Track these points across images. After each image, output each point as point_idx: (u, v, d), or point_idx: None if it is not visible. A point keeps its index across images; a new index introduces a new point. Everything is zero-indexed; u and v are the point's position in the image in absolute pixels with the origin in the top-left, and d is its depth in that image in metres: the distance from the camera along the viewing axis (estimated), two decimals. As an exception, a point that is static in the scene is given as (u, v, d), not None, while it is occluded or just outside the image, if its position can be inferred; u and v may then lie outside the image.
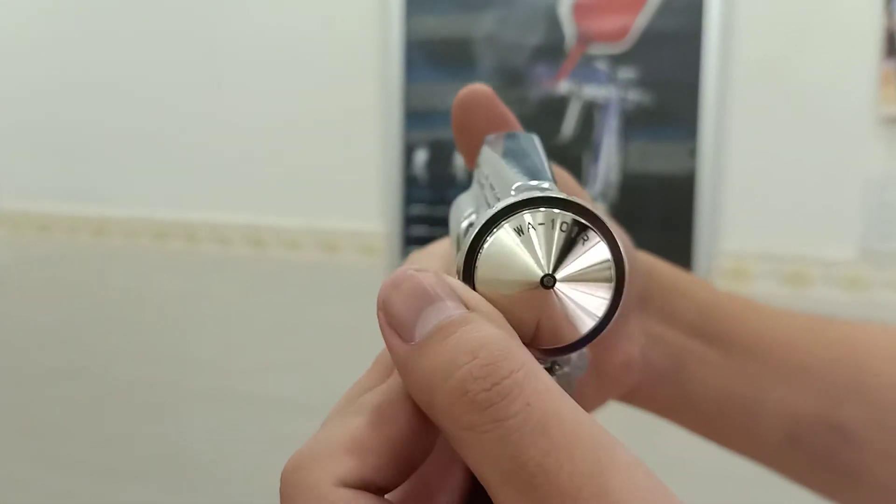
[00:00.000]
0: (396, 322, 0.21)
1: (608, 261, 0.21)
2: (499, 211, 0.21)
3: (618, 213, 1.50)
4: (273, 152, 1.84)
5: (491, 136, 0.32)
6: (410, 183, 1.69)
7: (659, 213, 1.48)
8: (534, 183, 0.22)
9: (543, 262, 0.20)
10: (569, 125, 1.54)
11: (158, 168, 1.96)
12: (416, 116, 1.66)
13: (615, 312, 0.21)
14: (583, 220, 0.21)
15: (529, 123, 1.54)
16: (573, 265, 0.20)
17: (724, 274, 1.45)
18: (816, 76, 1.39)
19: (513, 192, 0.22)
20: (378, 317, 0.22)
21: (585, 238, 0.21)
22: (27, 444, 2.17)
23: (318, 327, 1.84)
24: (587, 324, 0.21)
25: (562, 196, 0.21)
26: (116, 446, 2.08)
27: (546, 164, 0.25)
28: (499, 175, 0.25)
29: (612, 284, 0.21)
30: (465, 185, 0.31)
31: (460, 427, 0.19)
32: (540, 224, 0.21)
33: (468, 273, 0.21)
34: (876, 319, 0.45)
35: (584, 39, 1.51)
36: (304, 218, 1.82)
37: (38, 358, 2.15)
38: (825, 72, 1.38)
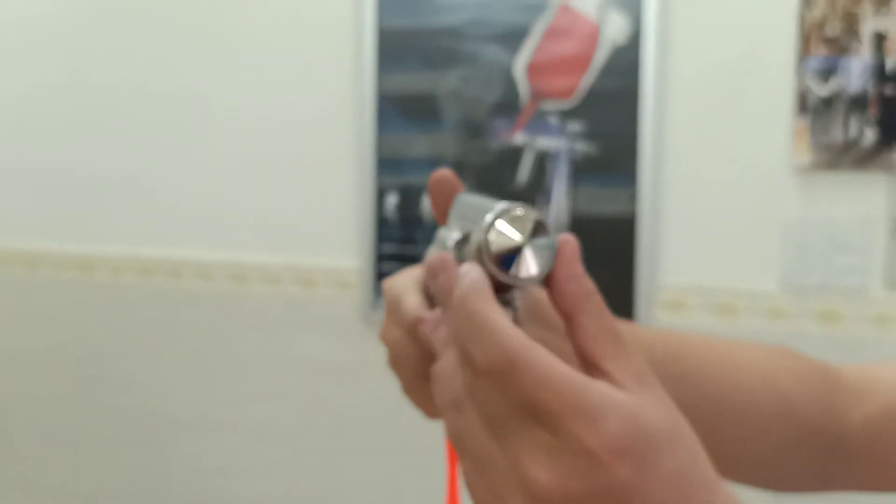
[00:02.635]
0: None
1: (551, 238, 0.36)
2: (500, 210, 0.37)
3: (569, 250, 1.65)
4: (255, 195, 1.92)
5: (460, 195, 0.47)
6: (382, 224, 1.79)
7: (605, 251, 1.62)
8: (503, 203, 0.38)
9: (524, 233, 0.36)
10: (524, 172, 1.67)
11: (144, 207, 2.03)
12: (388, 163, 1.77)
13: (549, 267, 0.36)
14: (539, 217, 0.37)
15: (489, 171, 1.68)
16: (534, 239, 0.36)
17: (663, 305, 1.60)
18: (739, 130, 1.55)
19: (495, 208, 0.37)
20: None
21: (541, 227, 0.36)
22: (12, 471, 2.20)
23: (296, 358, 1.91)
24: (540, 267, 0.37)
25: (525, 205, 0.37)
26: (99, 473, 2.11)
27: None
28: (479, 205, 0.41)
29: (552, 252, 0.36)
30: (431, 225, 0.47)
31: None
32: (520, 216, 0.37)
33: (485, 246, 0.37)
34: (796, 346, 0.60)
35: (537, 96, 1.66)
36: (283, 255, 1.91)
37: (25, 387, 2.18)
38: (747, 127, 1.54)
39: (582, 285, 0.36)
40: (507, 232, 0.36)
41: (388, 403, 1.95)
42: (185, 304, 2.01)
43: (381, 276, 1.80)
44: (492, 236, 0.36)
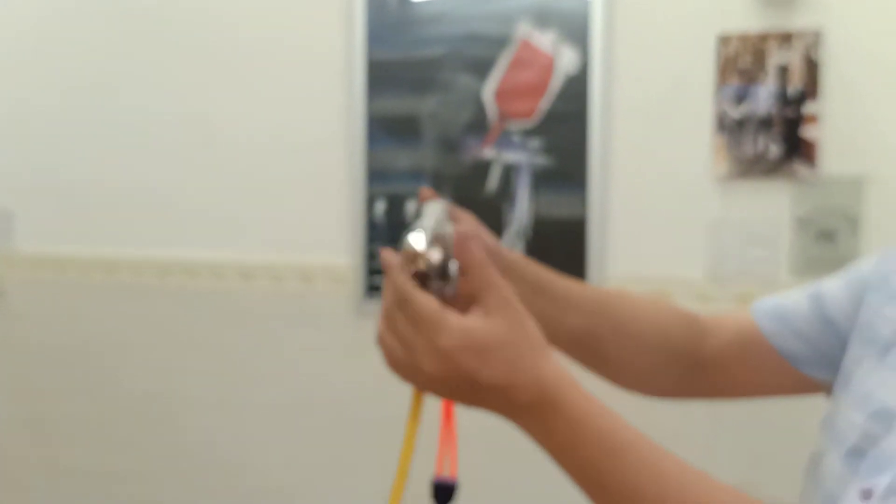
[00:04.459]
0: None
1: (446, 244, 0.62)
2: (413, 226, 0.62)
3: (531, 247, 1.88)
4: (261, 203, 2.10)
5: (425, 203, 0.75)
6: (372, 226, 1.98)
7: (561, 247, 1.86)
8: (420, 221, 0.63)
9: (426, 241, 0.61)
10: (492, 182, 1.88)
11: (162, 214, 2.18)
12: (376, 175, 1.97)
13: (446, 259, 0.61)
14: (433, 234, 0.62)
15: (463, 181, 1.91)
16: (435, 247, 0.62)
17: (610, 292, 1.85)
18: (670, 146, 1.81)
19: (413, 225, 0.63)
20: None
21: (438, 237, 0.61)
22: (43, 453, 2.34)
23: (297, 344, 2.08)
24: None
25: (424, 229, 0.62)
26: (122, 453, 2.25)
27: (432, 215, 0.69)
28: (420, 218, 0.67)
29: (445, 252, 0.60)
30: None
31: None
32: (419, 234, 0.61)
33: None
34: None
35: (503, 117, 1.87)
36: (286, 255, 2.08)
37: (55, 378, 2.31)
38: (676, 143, 1.80)
39: (470, 258, 0.58)
40: (414, 241, 0.59)
41: (378, 382, 2.13)
42: (199, 299, 2.16)
43: (371, 272, 2.00)
44: (408, 241, 0.59)
